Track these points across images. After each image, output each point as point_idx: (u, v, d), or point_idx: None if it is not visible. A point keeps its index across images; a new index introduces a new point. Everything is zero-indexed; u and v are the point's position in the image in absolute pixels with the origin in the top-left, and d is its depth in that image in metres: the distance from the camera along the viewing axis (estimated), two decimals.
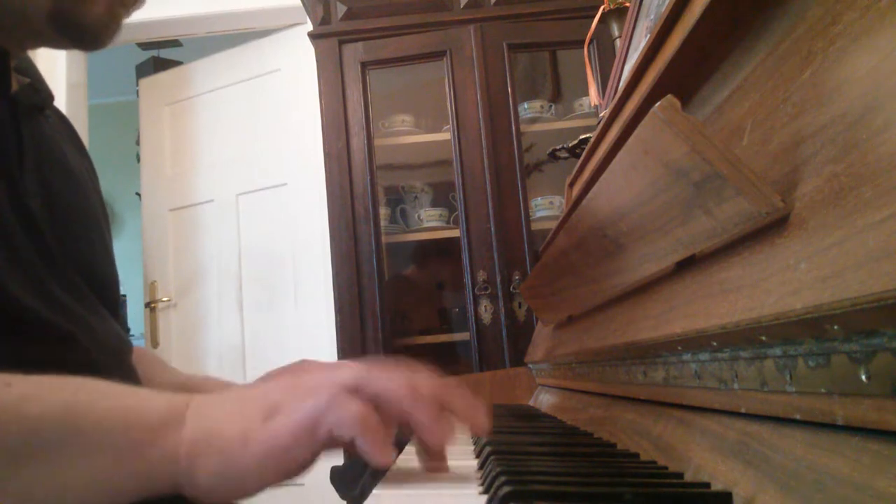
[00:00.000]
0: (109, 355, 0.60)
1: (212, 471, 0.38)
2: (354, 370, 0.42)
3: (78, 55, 2.62)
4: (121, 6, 0.60)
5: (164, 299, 2.77)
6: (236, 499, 0.40)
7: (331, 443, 0.40)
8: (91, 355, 0.57)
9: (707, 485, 0.34)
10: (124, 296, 3.84)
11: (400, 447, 0.64)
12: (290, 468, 0.40)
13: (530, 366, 1.23)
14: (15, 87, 0.60)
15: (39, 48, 0.63)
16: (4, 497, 0.35)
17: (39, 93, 0.64)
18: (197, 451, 0.39)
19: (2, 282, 0.51)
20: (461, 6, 2.01)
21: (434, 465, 0.44)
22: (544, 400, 1.06)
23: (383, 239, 2.00)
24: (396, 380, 0.41)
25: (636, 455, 0.47)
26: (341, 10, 2.02)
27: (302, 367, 0.48)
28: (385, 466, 0.40)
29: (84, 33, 0.59)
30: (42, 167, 0.60)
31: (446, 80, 1.98)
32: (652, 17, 0.91)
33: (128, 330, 0.85)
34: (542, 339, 1.14)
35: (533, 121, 2.08)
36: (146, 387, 0.68)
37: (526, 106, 2.08)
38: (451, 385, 0.44)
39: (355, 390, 0.40)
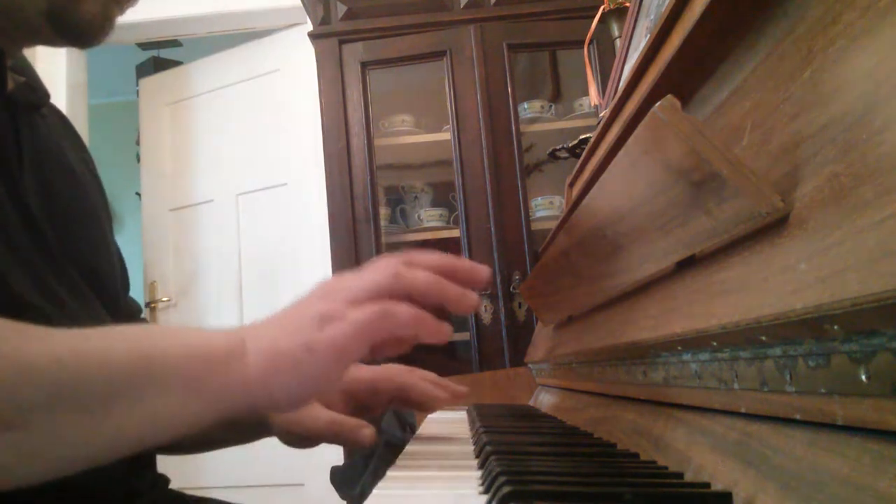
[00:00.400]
0: None
1: (285, 384, 0.42)
2: (381, 274, 0.46)
3: (78, 55, 2.63)
4: (115, 5, 0.60)
5: (164, 299, 2.78)
6: (312, 400, 0.45)
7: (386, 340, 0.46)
8: None
9: (707, 485, 0.34)
10: None
11: (399, 448, 0.64)
12: (351, 366, 0.45)
13: (530, 366, 1.23)
14: (11, 85, 0.60)
15: (35, 46, 0.63)
16: (100, 435, 0.38)
17: (36, 91, 0.64)
18: (266, 370, 0.42)
19: (5, 279, 0.51)
20: (461, 6, 2.01)
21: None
22: (544, 400, 1.06)
23: (383, 239, 2.00)
24: (419, 276, 0.46)
25: (636, 455, 0.47)
26: (341, 10, 2.02)
27: (329, 282, 0.51)
28: (447, 339, 0.46)
29: (79, 31, 0.59)
30: (41, 166, 0.60)
31: (446, 80, 1.98)
32: (652, 17, 0.91)
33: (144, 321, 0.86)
34: (542, 339, 1.14)
35: (533, 121, 2.08)
36: None
37: (526, 106, 2.08)
38: (447, 257, 0.50)
39: (390, 291, 0.45)
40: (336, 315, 0.43)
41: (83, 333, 0.40)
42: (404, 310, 0.44)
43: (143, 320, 0.83)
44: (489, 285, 0.51)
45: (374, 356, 0.49)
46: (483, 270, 0.50)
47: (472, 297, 0.48)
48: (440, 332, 0.46)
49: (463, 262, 0.50)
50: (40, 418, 0.36)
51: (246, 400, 0.42)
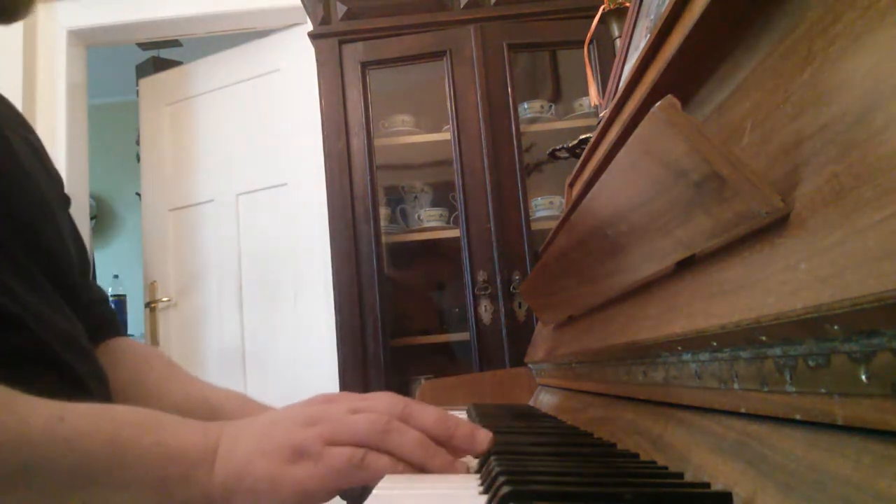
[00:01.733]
0: (62, 343, 0.60)
1: None
2: (373, 423, 0.45)
3: (78, 54, 2.62)
4: None
5: (164, 299, 2.78)
6: None
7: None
8: (42, 341, 0.57)
9: (707, 485, 0.34)
10: (124, 295, 3.83)
11: None
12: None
13: (530, 366, 1.23)
14: None
15: None
16: None
17: None
18: (229, 488, 0.42)
19: None
20: (461, 6, 2.01)
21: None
22: (544, 400, 1.06)
23: (383, 239, 2.00)
24: (408, 438, 0.45)
25: (636, 455, 0.47)
26: (341, 10, 2.02)
27: (324, 402, 0.49)
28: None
29: (4, 7, 0.59)
30: None
31: (446, 80, 1.98)
32: (652, 17, 0.91)
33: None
34: (542, 339, 1.14)
35: (533, 121, 2.08)
36: (158, 394, 0.69)
37: (526, 106, 2.08)
38: (448, 420, 0.47)
39: (376, 446, 0.44)
40: (311, 451, 0.43)
41: (60, 412, 0.39)
42: (381, 464, 0.44)
43: (110, 309, 0.80)
44: (490, 450, 0.50)
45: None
46: (483, 439, 0.48)
47: (460, 465, 0.46)
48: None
49: (463, 428, 0.47)
50: None
51: None
